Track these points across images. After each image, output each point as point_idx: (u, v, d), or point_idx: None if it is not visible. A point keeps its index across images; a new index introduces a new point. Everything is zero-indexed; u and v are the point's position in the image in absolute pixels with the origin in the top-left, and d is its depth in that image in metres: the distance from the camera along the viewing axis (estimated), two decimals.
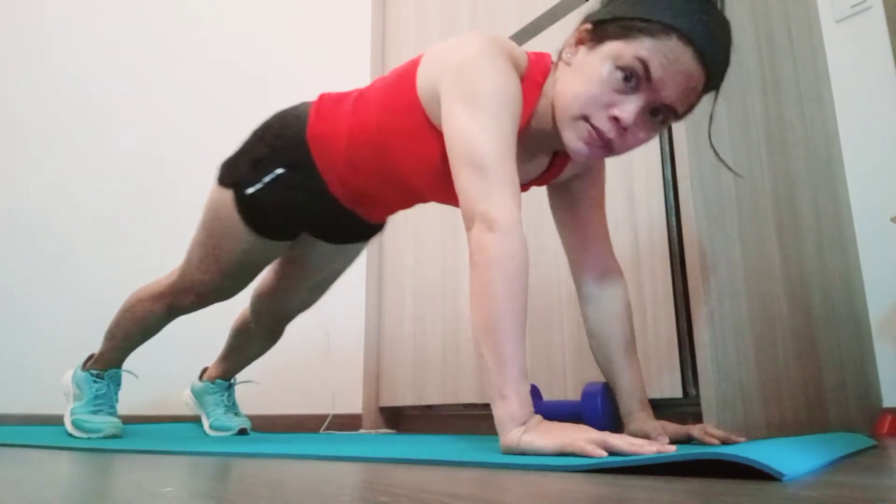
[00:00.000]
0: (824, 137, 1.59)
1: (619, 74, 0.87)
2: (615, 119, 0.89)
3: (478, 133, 0.89)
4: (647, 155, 1.39)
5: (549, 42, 1.70)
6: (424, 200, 1.21)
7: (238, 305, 1.61)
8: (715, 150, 1.06)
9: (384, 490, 0.54)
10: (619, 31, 0.88)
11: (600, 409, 1.17)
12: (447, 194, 1.09)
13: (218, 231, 1.28)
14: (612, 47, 0.88)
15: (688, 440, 0.99)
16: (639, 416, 1.06)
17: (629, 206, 1.42)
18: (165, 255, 2.06)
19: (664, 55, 0.85)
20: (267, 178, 1.21)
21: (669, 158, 1.35)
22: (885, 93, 1.57)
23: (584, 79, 0.90)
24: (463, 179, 0.90)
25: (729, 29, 0.91)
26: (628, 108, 0.88)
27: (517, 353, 0.82)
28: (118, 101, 2.14)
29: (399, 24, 2.49)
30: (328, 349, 2.22)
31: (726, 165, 1.12)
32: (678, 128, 1.28)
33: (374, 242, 2.33)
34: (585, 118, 0.90)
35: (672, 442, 0.97)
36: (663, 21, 0.85)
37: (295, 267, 1.45)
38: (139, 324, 1.46)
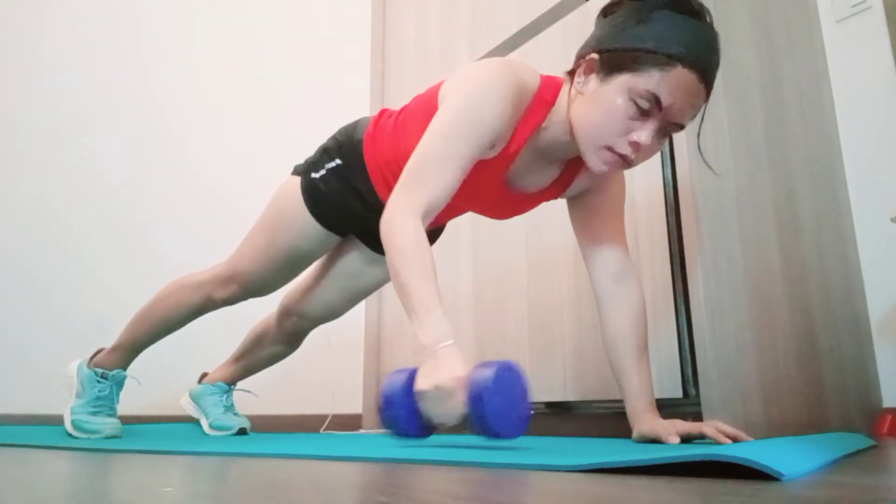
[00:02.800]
0: (824, 137, 1.59)
1: (634, 105, 0.96)
2: (635, 143, 0.98)
3: (438, 140, 1.03)
4: None
5: (549, 42, 1.70)
6: (462, 212, 1.31)
7: (253, 312, 1.63)
8: (702, 154, 1.13)
9: (384, 490, 0.53)
10: (628, 63, 0.96)
11: (485, 411, 0.84)
12: (480, 206, 1.23)
13: (279, 216, 1.38)
14: (624, 80, 0.96)
15: (700, 438, 0.99)
16: (646, 417, 1.07)
17: (629, 206, 1.41)
18: (165, 255, 2.06)
19: (672, 84, 0.95)
20: (328, 166, 1.33)
21: (669, 158, 1.35)
22: (885, 93, 1.57)
23: (602, 110, 0.99)
24: (411, 157, 1.05)
25: (719, 40, 1.00)
26: (645, 133, 0.97)
27: (420, 286, 0.96)
28: (118, 102, 2.14)
29: (399, 24, 2.49)
30: (328, 349, 2.22)
31: (710, 167, 1.17)
32: None
33: None
34: (609, 148, 1.00)
35: (683, 440, 0.99)
36: (668, 52, 0.94)
37: (335, 268, 1.51)
38: (168, 313, 1.49)
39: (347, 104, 2.43)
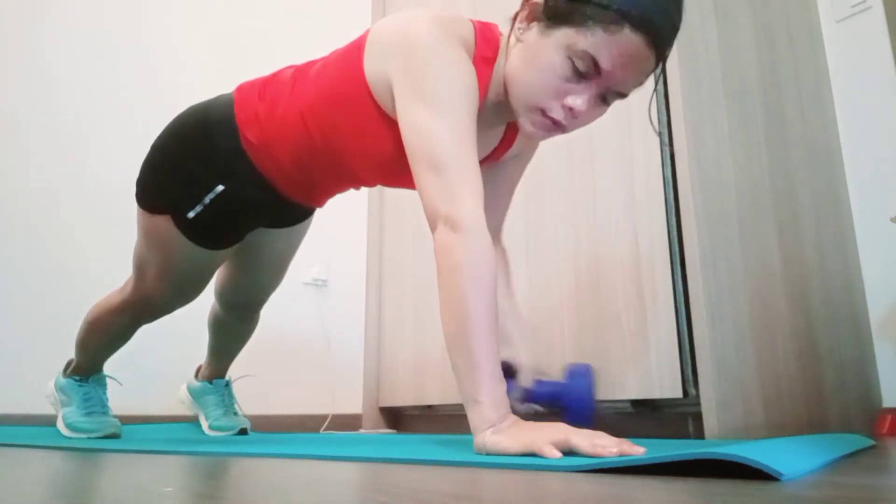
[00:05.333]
0: (824, 137, 1.59)
1: (571, 64, 0.87)
2: (569, 108, 0.89)
3: (436, 131, 0.87)
4: (647, 155, 1.39)
5: None
6: (372, 185, 1.19)
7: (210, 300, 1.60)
8: (651, 121, 1.03)
9: (384, 490, 0.53)
10: (572, 15, 0.85)
11: (588, 389, 1.08)
12: (400, 180, 1.07)
13: (165, 250, 1.22)
14: (565, 35, 0.86)
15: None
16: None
17: (629, 206, 1.42)
18: None
19: (615, 47, 0.84)
20: (208, 199, 1.14)
21: (669, 158, 1.35)
22: (885, 93, 1.57)
23: (538, 66, 0.89)
24: (423, 180, 0.88)
25: (681, 1, 0.89)
26: (581, 99, 0.88)
27: (489, 356, 0.81)
28: (119, 103, 2.14)
29: None
30: (328, 349, 2.22)
31: (660, 136, 1.12)
32: (678, 128, 1.28)
33: (375, 243, 2.34)
34: (542, 111, 0.91)
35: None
36: (616, 9, 0.83)
37: (250, 257, 1.40)
38: (107, 335, 1.42)
39: None
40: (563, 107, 0.89)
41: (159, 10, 2.27)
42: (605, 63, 0.85)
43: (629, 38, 0.84)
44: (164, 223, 1.18)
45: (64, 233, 1.97)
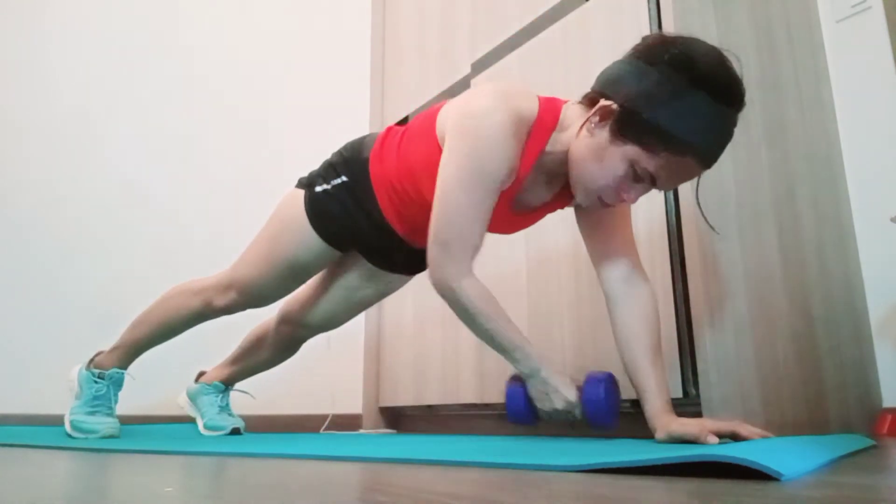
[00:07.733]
0: (824, 137, 1.59)
1: (633, 173, 1.01)
2: (622, 198, 1.05)
3: (459, 194, 1.08)
4: None
5: (549, 42, 1.70)
6: None
7: (251, 320, 1.62)
8: (701, 209, 1.12)
9: (384, 490, 0.54)
10: (643, 135, 0.97)
11: (601, 398, 1.15)
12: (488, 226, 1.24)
13: (282, 227, 1.39)
14: (633, 151, 0.98)
15: (731, 437, 0.97)
16: (670, 417, 1.05)
17: (629, 205, 1.41)
18: (165, 255, 2.06)
19: (675, 170, 0.99)
20: (334, 182, 1.34)
21: None
22: (885, 93, 1.57)
23: (602, 166, 1.02)
24: (435, 213, 1.11)
25: (736, 123, 1.00)
26: (634, 195, 1.04)
27: (506, 333, 1.13)
28: (117, 103, 2.14)
29: (399, 24, 2.49)
30: (328, 349, 2.22)
31: (709, 224, 1.16)
32: None
33: None
34: (598, 196, 1.06)
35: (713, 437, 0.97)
36: (684, 141, 0.95)
37: (336, 280, 1.51)
38: (167, 317, 1.50)
39: (348, 104, 2.43)
40: (617, 197, 1.05)
41: (158, 10, 2.27)
42: (662, 180, 1.00)
43: (689, 164, 0.98)
44: (299, 196, 1.38)
45: (66, 233, 1.97)
